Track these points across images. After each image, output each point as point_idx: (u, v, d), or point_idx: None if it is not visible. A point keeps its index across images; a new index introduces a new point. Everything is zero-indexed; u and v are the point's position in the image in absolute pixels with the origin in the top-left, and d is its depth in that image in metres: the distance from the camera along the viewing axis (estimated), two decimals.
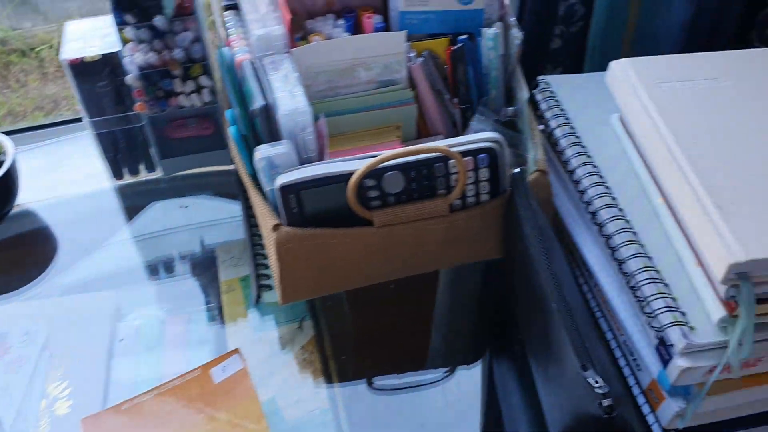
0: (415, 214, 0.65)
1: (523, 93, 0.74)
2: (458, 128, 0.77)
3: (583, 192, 0.67)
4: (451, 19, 0.75)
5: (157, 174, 0.87)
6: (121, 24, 0.71)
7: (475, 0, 0.74)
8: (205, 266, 0.83)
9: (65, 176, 0.92)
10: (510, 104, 0.78)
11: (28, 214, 0.87)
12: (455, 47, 0.73)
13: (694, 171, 0.58)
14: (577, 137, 0.71)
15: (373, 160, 0.61)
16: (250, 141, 0.66)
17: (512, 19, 0.77)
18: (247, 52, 0.70)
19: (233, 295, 0.79)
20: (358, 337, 0.77)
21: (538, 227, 0.60)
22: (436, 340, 0.77)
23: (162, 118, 0.80)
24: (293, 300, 0.70)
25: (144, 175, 0.87)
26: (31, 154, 0.94)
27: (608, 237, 0.63)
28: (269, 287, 0.77)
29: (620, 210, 0.64)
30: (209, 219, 0.88)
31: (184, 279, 0.84)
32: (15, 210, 0.84)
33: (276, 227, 0.64)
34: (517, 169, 0.65)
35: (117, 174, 0.87)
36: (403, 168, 0.63)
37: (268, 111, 0.64)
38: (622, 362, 0.65)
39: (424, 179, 0.64)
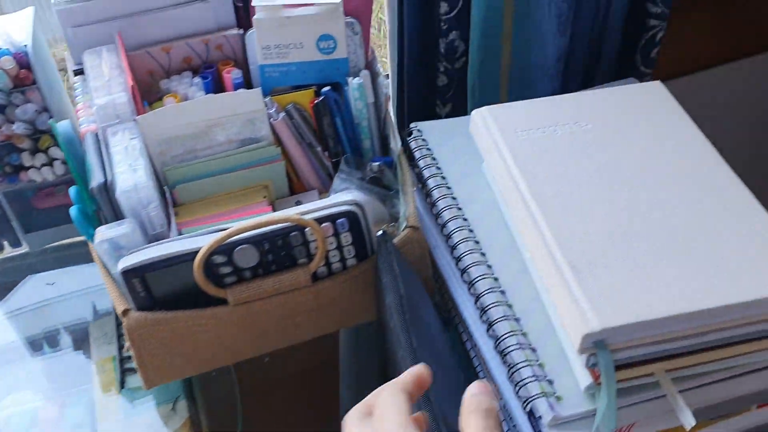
0: (273, 288, 0.61)
1: (396, 142, 0.71)
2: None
3: (453, 248, 0.64)
4: (313, 69, 0.72)
5: (24, 248, 0.82)
6: None
7: (337, 49, 0.71)
8: (79, 343, 0.78)
9: None
10: (387, 154, 0.75)
11: None
12: (317, 100, 0.70)
13: (550, 229, 0.54)
14: (449, 188, 0.68)
15: (218, 236, 0.57)
16: (91, 221, 0.62)
17: (379, 66, 0.74)
18: (93, 122, 0.65)
19: (107, 375, 0.74)
20: (240, 414, 0.72)
21: (399, 296, 0.57)
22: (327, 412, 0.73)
23: (25, 189, 0.75)
24: (159, 383, 0.66)
25: (9, 251, 0.82)
26: None
27: (477, 297, 0.60)
28: (134, 370, 0.72)
29: (489, 267, 0.61)
30: (85, 290, 0.83)
31: (61, 357, 0.79)
32: None
33: (125, 312, 0.60)
34: (380, 232, 0.61)
35: None
36: (255, 241, 0.59)
37: (107, 188, 0.60)
38: (506, 426, 0.62)
39: (280, 250, 0.60)
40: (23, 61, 0.66)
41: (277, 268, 0.61)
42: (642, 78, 0.89)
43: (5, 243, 0.81)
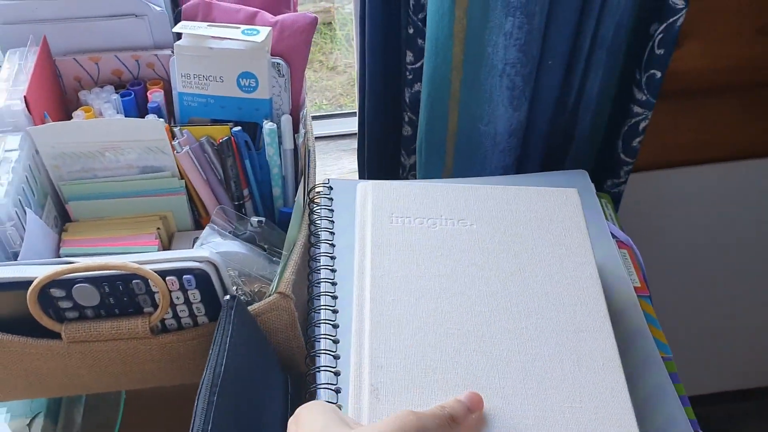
0: (110, 333, 0.58)
1: (299, 196, 0.66)
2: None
3: (316, 326, 0.59)
4: (233, 106, 0.68)
5: None
6: None
7: (258, 89, 0.67)
8: None
9: None
10: None
11: None
12: (221, 140, 0.66)
13: (370, 319, 0.50)
14: (332, 258, 0.62)
15: (52, 270, 0.54)
16: None
17: (304, 113, 0.69)
18: None
19: None
20: None
21: (216, 373, 0.52)
22: None
23: None
24: (6, 399, 0.64)
25: None
26: None
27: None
28: None
29: (336, 360, 0.55)
30: None
31: None
32: None
33: None
34: (227, 296, 0.56)
35: None
36: (94, 281, 0.56)
37: None
38: None
39: (123, 295, 0.57)
40: None
41: (120, 312, 0.58)
42: (622, 167, 0.80)
43: None
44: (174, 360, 0.60)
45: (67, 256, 0.63)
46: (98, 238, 0.66)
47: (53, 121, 0.66)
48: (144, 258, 0.56)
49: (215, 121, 0.69)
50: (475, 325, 0.52)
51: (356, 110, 0.88)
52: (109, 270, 0.55)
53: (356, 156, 0.89)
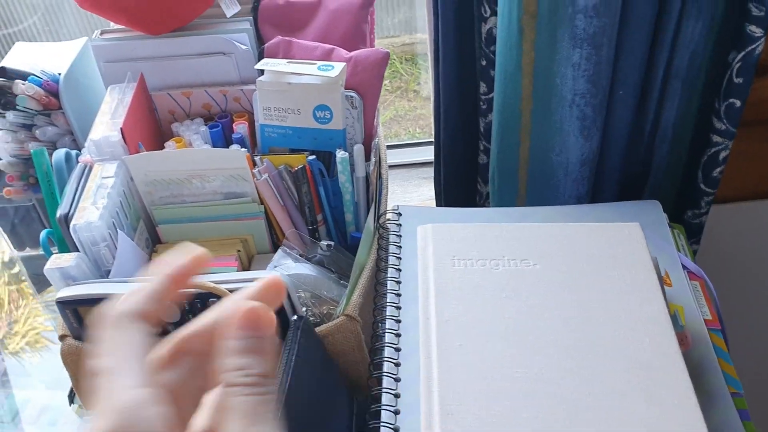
0: None
1: (369, 222, 0.69)
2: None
3: (380, 350, 0.61)
4: (309, 136, 0.72)
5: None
6: None
7: (333, 120, 0.70)
8: None
9: None
10: None
11: None
12: (296, 168, 0.69)
13: (438, 365, 0.50)
14: (398, 282, 0.64)
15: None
16: (61, 246, 0.67)
17: (376, 143, 0.72)
18: (90, 153, 0.71)
19: None
20: None
21: (281, 389, 0.55)
22: None
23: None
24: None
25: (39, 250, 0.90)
26: None
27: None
28: None
29: (396, 381, 0.57)
30: None
31: None
32: None
33: (62, 338, 0.64)
34: (294, 316, 0.59)
35: (18, 246, 0.91)
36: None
37: (67, 220, 0.64)
38: None
39: (200, 312, 0.61)
40: (52, 89, 0.73)
41: None
42: (703, 197, 0.78)
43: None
44: None
45: None
46: None
47: (147, 151, 0.71)
48: (219, 278, 0.60)
49: (293, 151, 0.73)
50: (543, 367, 0.51)
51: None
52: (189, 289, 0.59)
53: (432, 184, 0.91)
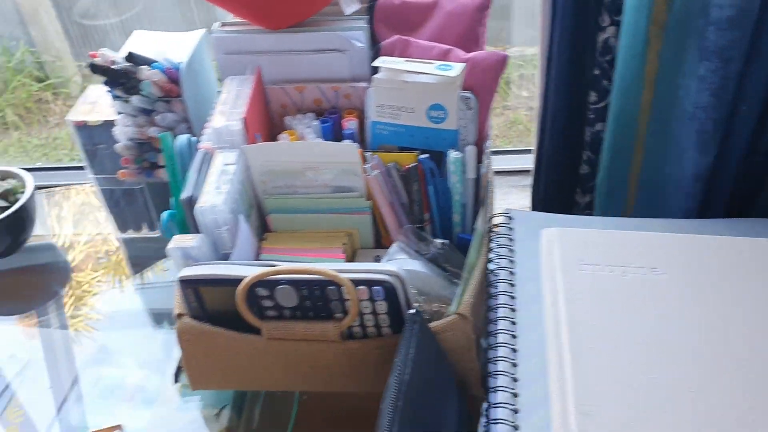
0: (303, 334, 0.63)
1: (482, 224, 0.69)
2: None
3: (493, 348, 0.61)
4: (421, 135, 0.73)
5: (158, 233, 0.93)
6: (115, 97, 0.77)
7: (447, 120, 0.71)
8: None
9: (83, 217, 1.01)
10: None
11: (42, 248, 0.96)
12: (409, 166, 0.70)
13: (572, 366, 0.50)
14: (512, 285, 0.64)
15: (261, 270, 0.61)
16: (180, 228, 0.69)
17: (488, 145, 0.73)
18: (210, 140, 0.73)
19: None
20: None
21: (401, 380, 0.56)
22: None
23: (162, 183, 0.86)
24: (202, 388, 0.71)
25: (145, 232, 0.93)
26: (48, 191, 1.06)
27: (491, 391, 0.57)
28: None
29: (515, 381, 0.57)
30: None
31: (164, 335, 0.88)
32: (31, 242, 0.94)
33: (179, 316, 0.66)
34: (412, 310, 0.60)
35: (122, 227, 0.94)
36: (295, 284, 0.62)
37: (191, 202, 0.66)
38: None
39: (318, 300, 0.62)
40: (173, 76, 0.76)
41: (314, 315, 0.63)
42: None
43: (144, 225, 0.93)
44: (356, 366, 0.65)
45: None
46: (293, 248, 0.73)
47: (263, 142, 0.73)
48: (339, 267, 0.61)
49: (402, 149, 0.74)
50: (682, 375, 0.51)
51: (525, 148, 0.90)
52: (310, 275, 0.61)
53: (526, 192, 0.92)
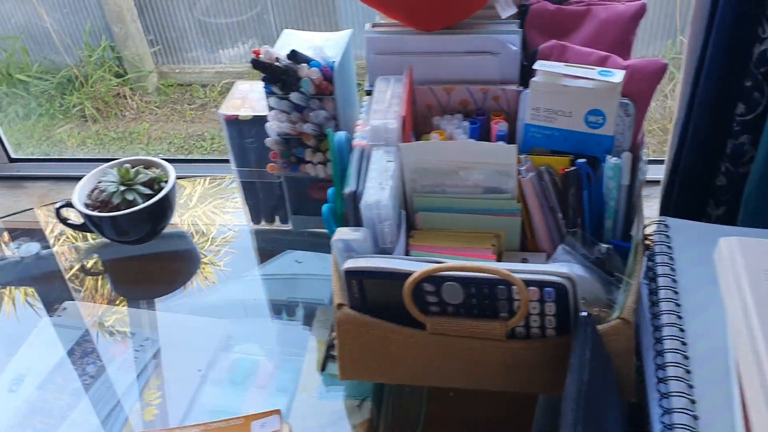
0: (469, 331, 0.64)
1: (638, 231, 0.69)
2: None
3: (660, 354, 0.61)
4: (576, 139, 0.73)
5: (289, 226, 0.95)
6: (269, 93, 0.79)
7: (605, 126, 0.71)
8: (307, 320, 0.88)
9: (215, 208, 1.04)
10: (628, 239, 0.73)
11: (178, 235, 0.99)
12: (569, 170, 0.71)
13: None
14: (676, 293, 0.64)
15: (430, 267, 0.62)
16: (337, 221, 0.70)
17: (643, 152, 0.73)
18: (365, 138, 0.74)
19: (317, 355, 0.83)
20: None
21: (581, 381, 0.56)
22: None
23: (305, 178, 0.87)
24: (351, 378, 0.72)
25: (278, 225, 0.95)
26: (187, 182, 1.09)
27: (667, 413, 0.57)
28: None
29: (690, 387, 0.57)
30: (325, 276, 0.93)
31: (291, 326, 0.90)
32: (168, 229, 0.97)
33: (339, 306, 0.67)
34: (584, 312, 0.61)
35: (255, 219, 0.96)
36: (463, 282, 0.63)
37: (356, 197, 0.68)
38: None
39: (485, 298, 0.63)
40: (328, 74, 0.77)
41: (478, 313, 0.64)
42: None
43: (277, 217, 0.95)
44: (516, 366, 0.65)
45: None
46: (442, 246, 0.73)
47: (414, 141, 0.74)
48: (511, 267, 0.62)
49: (554, 152, 0.75)
50: None
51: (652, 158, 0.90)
52: (481, 273, 0.62)
53: (649, 201, 0.91)
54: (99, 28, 2.77)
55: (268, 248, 0.97)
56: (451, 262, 0.62)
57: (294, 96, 0.76)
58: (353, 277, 0.65)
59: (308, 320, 0.89)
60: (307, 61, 0.76)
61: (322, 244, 0.95)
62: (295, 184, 0.88)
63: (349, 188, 0.68)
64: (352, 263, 0.65)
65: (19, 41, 2.76)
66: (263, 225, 0.96)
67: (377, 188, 0.68)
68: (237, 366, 0.85)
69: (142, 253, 0.97)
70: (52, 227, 1.04)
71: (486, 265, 0.61)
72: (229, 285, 0.95)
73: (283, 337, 0.89)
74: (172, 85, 2.87)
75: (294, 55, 0.75)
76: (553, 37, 0.77)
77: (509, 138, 0.77)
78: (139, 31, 2.78)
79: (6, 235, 1.05)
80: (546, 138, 0.74)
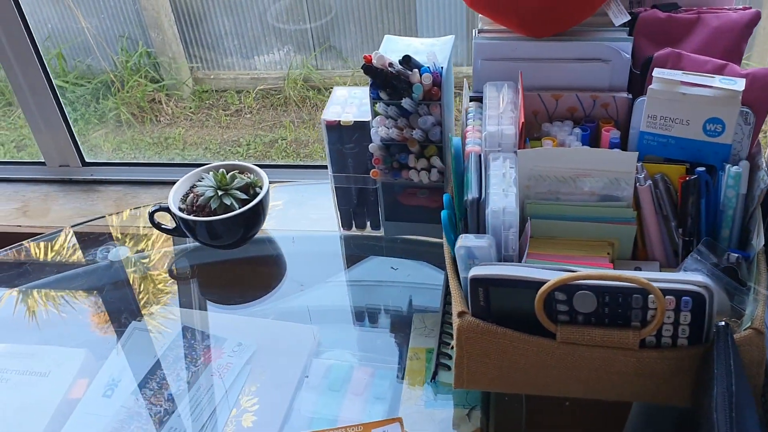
0: (601, 340, 0.63)
1: (759, 240, 0.69)
2: (679, 259, 0.73)
3: None
4: (692, 148, 0.73)
5: (380, 232, 0.94)
6: (375, 98, 0.79)
7: (723, 134, 0.71)
8: (400, 327, 0.88)
9: (304, 214, 1.04)
10: (744, 248, 0.73)
11: (268, 241, 0.99)
12: (690, 178, 0.70)
13: None
14: None
15: (566, 275, 0.61)
16: (458, 227, 0.70)
17: (762, 160, 0.72)
18: (478, 144, 0.74)
19: (417, 363, 0.83)
20: None
21: (731, 393, 0.55)
22: None
23: (396, 184, 0.87)
24: (467, 387, 0.72)
25: (368, 231, 0.95)
26: (280, 187, 1.09)
27: None
28: (448, 367, 0.79)
29: None
30: (416, 284, 0.93)
31: (380, 333, 0.90)
32: (259, 235, 0.97)
33: (461, 314, 0.67)
34: (722, 322, 0.60)
35: (346, 224, 0.96)
36: (597, 290, 0.62)
37: (479, 204, 0.67)
38: None
39: (618, 307, 0.62)
40: (437, 80, 0.77)
41: (609, 322, 0.63)
42: None
43: (368, 223, 0.95)
44: (646, 376, 0.65)
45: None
46: (558, 254, 0.73)
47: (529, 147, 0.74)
48: (648, 276, 0.62)
49: (667, 160, 0.74)
50: None
51: None
52: (618, 282, 0.61)
53: None
54: (136, 34, 2.79)
55: (358, 254, 0.96)
56: (587, 271, 0.61)
57: (406, 102, 0.76)
58: (480, 284, 0.65)
59: (397, 327, 0.89)
60: (419, 66, 0.76)
61: (413, 251, 0.95)
62: (389, 191, 0.88)
63: (471, 195, 0.68)
64: (479, 271, 0.65)
65: (58, 48, 2.78)
66: (354, 231, 0.96)
67: (501, 195, 0.68)
68: (332, 372, 0.85)
69: (231, 257, 0.97)
70: (135, 230, 1.04)
71: (625, 274, 0.61)
72: (317, 290, 0.95)
73: (374, 344, 0.89)
74: (207, 91, 2.88)
75: (408, 61, 0.74)
76: (663, 45, 0.77)
77: (621, 146, 0.77)
78: (176, 36, 2.80)
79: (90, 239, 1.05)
80: (661, 146, 0.74)
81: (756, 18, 0.76)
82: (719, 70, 0.73)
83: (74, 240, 1.05)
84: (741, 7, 0.77)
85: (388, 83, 0.75)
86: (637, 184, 0.72)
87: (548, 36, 0.78)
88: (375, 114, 0.80)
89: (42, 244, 1.05)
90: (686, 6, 0.79)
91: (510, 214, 0.67)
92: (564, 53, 0.78)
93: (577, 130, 0.77)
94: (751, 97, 0.72)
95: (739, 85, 0.69)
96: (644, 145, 0.75)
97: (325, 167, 0.91)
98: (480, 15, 0.79)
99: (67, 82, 2.77)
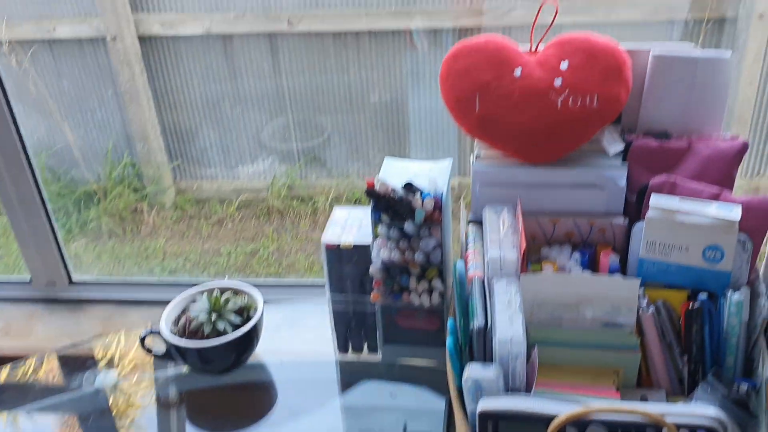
0: None
1: (765, 369, 0.68)
2: (684, 387, 0.72)
3: None
4: (693, 274, 0.73)
5: (378, 356, 0.92)
6: (377, 220, 0.79)
7: (724, 261, 0.71)
8: None
9: (298, 336, 1.02)
10: (749, 376, 0.72)
11: (259, 367, 0.96)
12: (693, 306, 0.70)
13: None
14: None
15: (578, 410, 0.60)
16: (464, 355, 0.68)
17: (762, 286, 0.73)
18: (480, 268, 0.74)
19: None
20: None
21: None
22: None
23: (394, 306, 0.86)
24: None
25: (365, 354, 0.93)
26: (275, 306, 1.06)
27: None
28: None
29: None
30: (414, 409, 0.90)
31: None
32: (251, 360, 0.94)
33: None
34: None
35: (342, 347, 0.94)
36: (609, 425, 0.60)
37: (485, 332, 0.66)
38: None
39: None
40: (438, 204, 0.78)
41: None
42: None
43: (365, 346, 0.93)
44: None
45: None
46: (565, 382, 0.71)
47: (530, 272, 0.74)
48: (660, 410, 0.60)
49: (668, 285, 0.74)
50: None
51: None
52: (630, 415, 0.59)
53: None
54: (120, 146, 2.82)
55: (353, 379, 0.93)
56: (599, 404, 0.60)
57: (408, 225, 0.76)
58: (489, 418, 0.63)
59: None
60: (420, 191, 0.77)
61: (411, 377, 0.93)
62: (391, 311, 0.87)
63: (477, 323, 0.67)
64: (489, 404, 0.63)
65: (42, 160, 2.79)
66: (350, 355, 0.94)
67: (507, 323, 0.67)
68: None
69: (219, 384, 0.94)
70: (121, 353, 1.01)
71: (638, 407, 0.59)
72: (310, 417, 0.91)
73: None
74: (189, 200, 2.89)
75: (410, 187, 0.75)
76: (657, 171, 0.79)
77: (621, 270, 0.77)
78: (161, 147, 2.83)
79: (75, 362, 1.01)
80: (660, 272, 0.74)
81: (744, 149, 0.78)
82: (714, 198, 0.75)
83: (56, 364, 1.01)
84: (729, 136, 0.80)
85: (390, 207, 0.76)
86: (640, 311, 0.71)
87: (548, 162, 0.79)
88: (376, 235, 0.80)
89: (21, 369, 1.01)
90: (676, 134, 0.81)
91: (517, 344, 0.65)
92: (560, 179, 0.79)
93: (576, 255, 0.77)
94: (748, 224, 0.73)
95: (736, 212, 0.71)
96: (643, 270, 0.75)
97: (320, 286, 0.90)
98: (477, 140, 0.81)
99: (51, 193, 2.77)
